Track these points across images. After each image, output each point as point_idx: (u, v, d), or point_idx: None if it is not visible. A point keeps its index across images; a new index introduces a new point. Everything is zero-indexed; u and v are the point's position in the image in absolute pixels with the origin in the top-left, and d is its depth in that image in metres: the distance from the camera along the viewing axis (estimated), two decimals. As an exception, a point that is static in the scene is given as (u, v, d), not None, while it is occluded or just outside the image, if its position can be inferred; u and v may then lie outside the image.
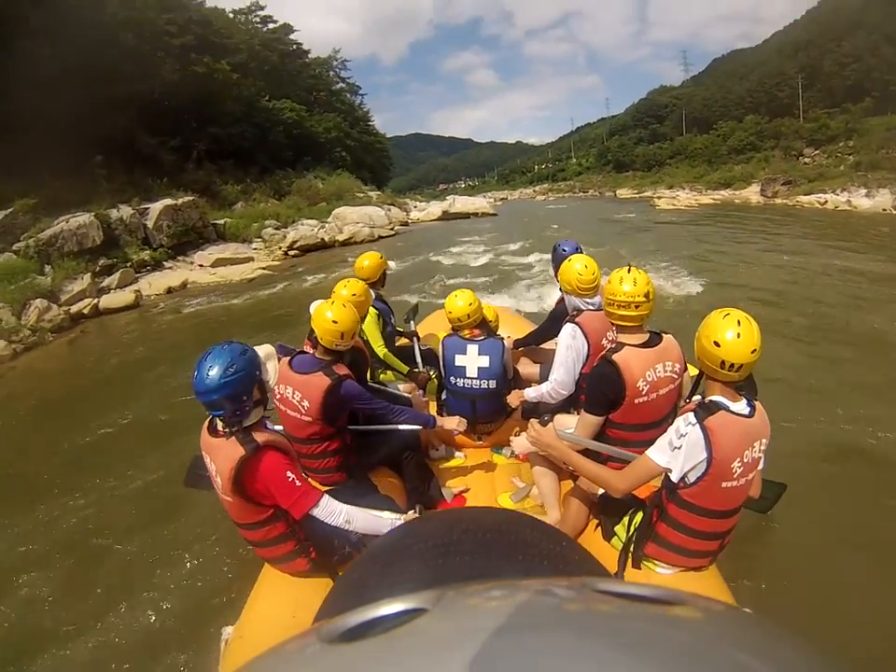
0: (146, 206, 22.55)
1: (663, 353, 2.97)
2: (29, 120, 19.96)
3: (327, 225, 28.50)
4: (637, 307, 2.89)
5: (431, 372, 4.80)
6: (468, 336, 4.09)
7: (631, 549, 2.71)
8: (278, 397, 3.31)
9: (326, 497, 2.61)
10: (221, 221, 25.95)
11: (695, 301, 11.03)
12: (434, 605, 0.38)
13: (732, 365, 2.26)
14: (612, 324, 3.07)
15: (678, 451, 2.34)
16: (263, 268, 21.49)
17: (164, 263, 21.39)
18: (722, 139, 72.76)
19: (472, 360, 4.03)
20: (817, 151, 53.79)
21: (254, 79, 43.03)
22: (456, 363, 4.07)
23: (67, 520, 5.03)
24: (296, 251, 25.23)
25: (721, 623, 0.38)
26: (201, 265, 21.90)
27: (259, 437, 2.49)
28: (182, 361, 9.34)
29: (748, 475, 2.39)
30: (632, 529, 2.75)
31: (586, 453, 2.91)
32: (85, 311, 15.56)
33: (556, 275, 4.07)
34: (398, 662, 0.32)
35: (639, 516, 2.75)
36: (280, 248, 25.01)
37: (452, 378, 4.13)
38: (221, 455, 2.49)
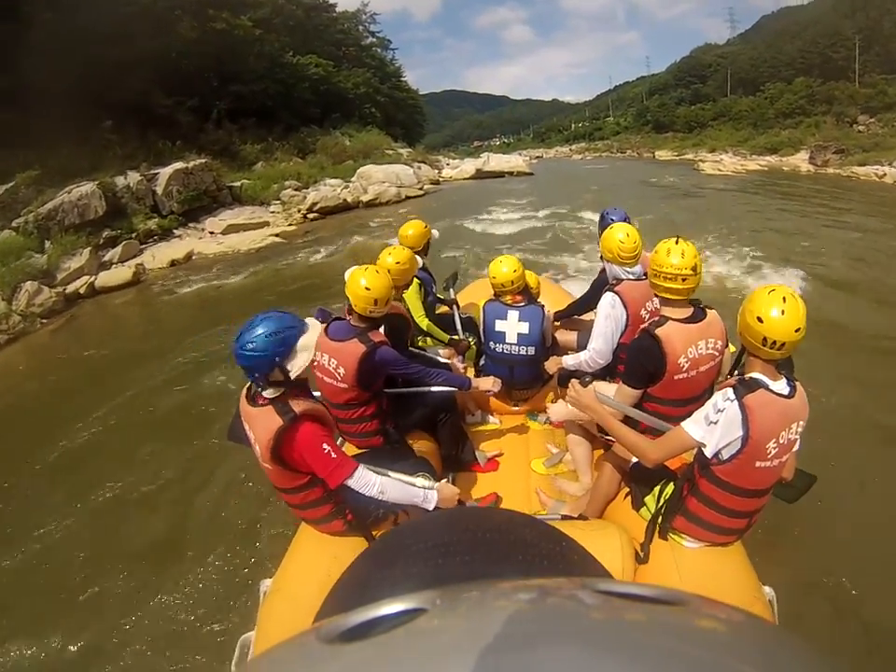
0: (155, 171, 20.98)
1: (706, 329, 2.88)
2: (33, 89, 18.65)
3: (351, 185, 26.26)
4: (683, 280, 2.79)
5: (471, 339, 4.75)
6: (509, 302, 4.07)
7: (659, 520, 2.67)
8: (315, 364, 3.19)
9: (360, 468, 2.62)
10: (238, 183, 24.44)
11: (748, 278, 10.50)
12: (434, 605, 0.38)
13: (774, 342, 2.18)
14: (657, 296, 2.97)
15: (714, 426, 2.29)
16: (277, 234, 19.68)
17: (174, 231, 19.97)
18: (770, 102, 68.42)
19: (512, 326, 4.02)
20: (872, 119, 50.08)
21: (278, 35, 40.85)
22: (496, 328, 4.06)
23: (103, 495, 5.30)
24: (315, 214, 23.14)
25: (722, 624, 0.39)
26: (212, 232, 20.32)
27: (297, 406, 2.49)
28: (172, 352, 8.92)
29: (782, 456, 2.34)
30: (662, 501, 2.72)
31: (624, 421, 2.84)
32: (81, 290, 14.43)
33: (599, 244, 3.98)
34: (397, 662, 0.32)
35: (670, 488, 2.72)
36: (299, 211, 23.02)
37: (491, 343, 4.13)
38: (259, 424, 2.51)
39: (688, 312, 2.88)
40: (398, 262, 4.09)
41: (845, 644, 3.25)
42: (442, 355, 4.62)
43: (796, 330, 2.15)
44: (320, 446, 2.51)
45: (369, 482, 2.61)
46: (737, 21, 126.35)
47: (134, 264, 16.36)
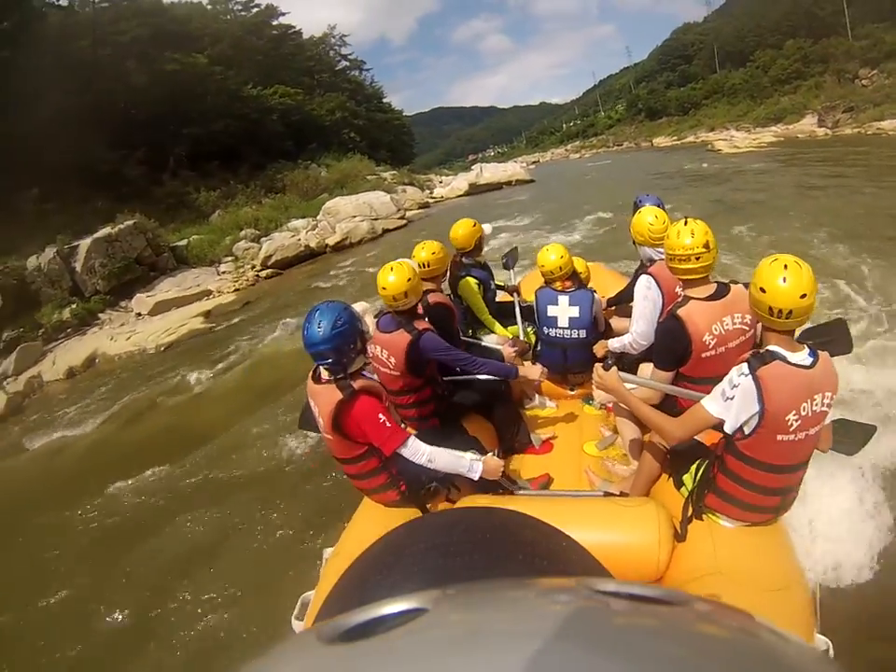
0: (76, 244, 16.36)
1: (731, 304, 2.74)
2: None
3: (319, 224, 20.67)
4: (697, 259, 2.70)
5: (531, 330, 4.58)
6: (559, 288, 3.99)
7: (692, 499, 2.57)
8: (371, 355, 3.25)
9: (412, 437, 2.70)
10: (184, 242, 19.00)
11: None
12: (434, 605, 0.37)
13: (780, 311, 2.07)
14: (679, 279, 2.88)
15: (730, 402, 2.18)
16: (208, 312, 14.21)
17: (100, 316, 15.27)
18: (763, 70, 63.91)
19: (563, 311, 3.97)
20: (874, 71, 47.03)
21: (239, 69, 36.03)
22: (549, 313, 4.01)
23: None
24: (270, 270, 17.60)
25: (723, 626, 0.38)
26: (139, 314, 15.03)
27: (356, 383, 2.62)
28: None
29: (808, 429, 2.18)
30: (698, 479, 2.59)
31: (660, 405, 2.85)
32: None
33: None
34: (397, 662, 0.32)
35: (705, 466, 2.58)
36: (253, 268, 17.70)
37: (545, 328, 4.08)
38: (322, 399, 2.65)
39: (710, 289, 2.78)
40: (433, 253, 3.92)
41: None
42: (494, 341, 4.47)
43: (802, 297, 2.02)
44: (376, 416, 2.61)
45: (419, 450, 2.68)
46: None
47: (28, 377, 11.73)
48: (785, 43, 62.50)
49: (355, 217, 20.63)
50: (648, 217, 3.54)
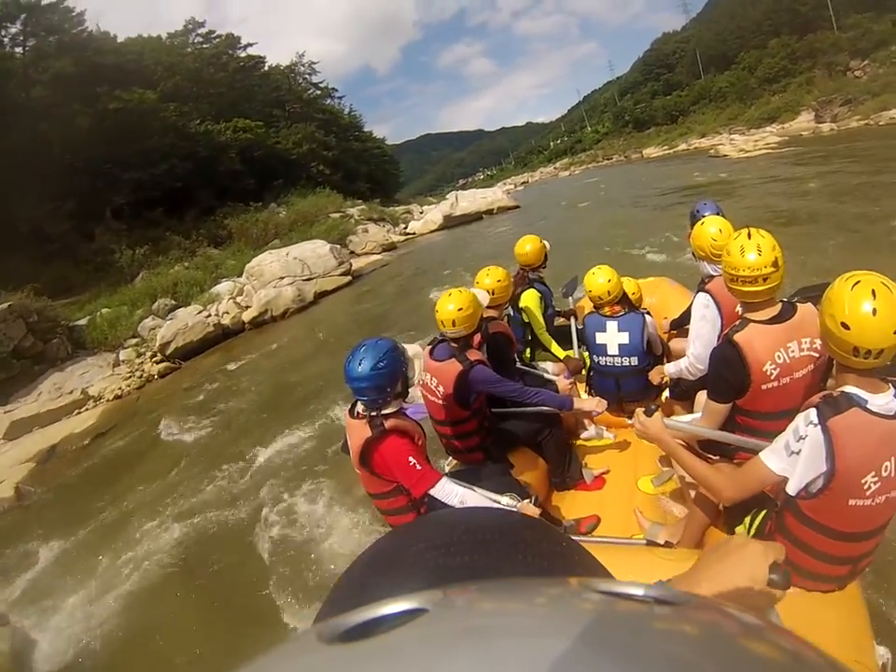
0: None
1: (797, 328, 2.26)
2: None
3: (245, 289, 15.66)
4: (765, 280, 2.20)
5: (586, 354, 4.14)
6: (608, 313, 3.71)
7: None
8: (421, 383, 3.20)
9: (444, 479, 2.58)
10: (83, 321, 14.60)
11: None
12: (434, 605, 0.35)
13: (868, 351, 1.63)
14: (741, 302, 2.41)
15: (795, 456, 1.79)
16: (63, 438, 9.43)
17: None
18: (749, 71, 61.92)
19: (612, 337, 3.69)
20: (865, 62, 45.00)
21: (197, 104, 31.78)
22: (597, 341, 3.74)
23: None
24: (167, 364, 12.53)
25: (723, 626, 0.36)
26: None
27: (388, 423, 2.52)
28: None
29: (890, 492, 1.74)
30: (752, 532, 2.17)
31: (711, 444, 2.51)
32: None
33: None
34: (398, 662, 0.31)
35: (761, 517, 2.16)
36: (151, 358, 12.80)
37: (595, 357, 3.81)
38: (354, 433, 2.59)
39: (774, 311, 2.31)
40: (498, 280, 3.78)
41: None
42: (551, 370, 4.23)
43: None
44: (406, 458, 2.51)
45: (451, 492, 2.56)
46: (689, 5, 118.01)
47: None
48: (769, 42, 60.32)
49: (282, 279, 15.55)
50: (711, 229, 3.13)
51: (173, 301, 15.36)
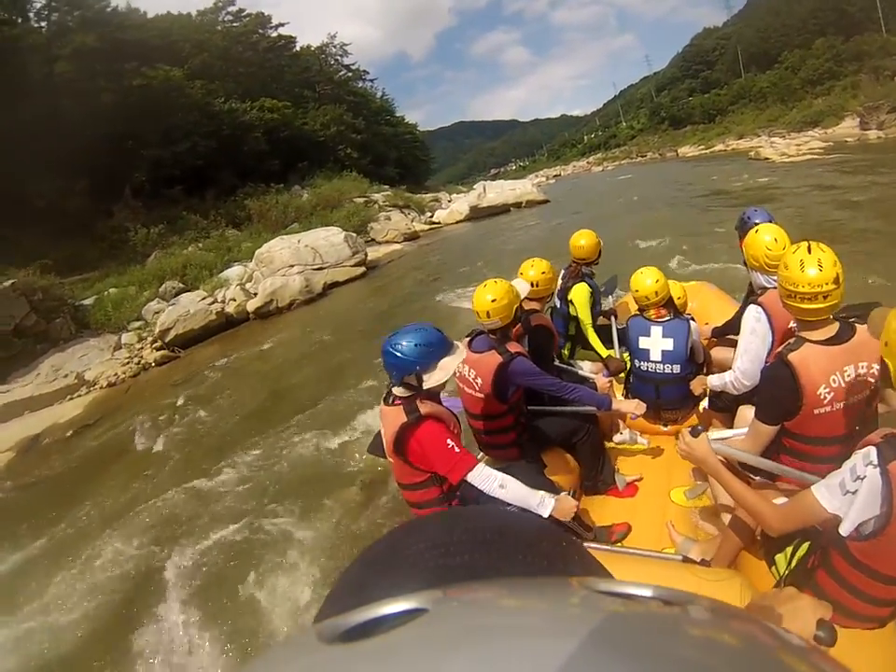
0: None
1: (856, 351, 2.14)
2: None
3: (255, 275, 14.76)
4: (825, 297, 2.10)
5: (626, 355, 4.12)
6: (653, 317, 3.61)
7: (783, 586, 1.98)
8: (458, 375, 3.17)
9: (482, 464, 2.51)
10: (89, 300, 14.01)
11: None
12: (434, 605, 0.36)
13: None
14: (796, 319, 2.32)
15: (851, 496, 1.66)
16: (43, 431, 8.84)
17: None
18: (792, 72, 59.58)
19: (656, 343, 3.59)
20: None
21: (223, 82, 31.06)
22: (640, 346, 3.63)
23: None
24: (165, 352, 11.71)
25: (724, 626, 0.36)
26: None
27: (423, 408, 2.49)
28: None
29: None
30: (794, 563, 2.06)
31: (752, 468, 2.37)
32: None
33: (741, 248, 3.39)
34: (398, 662, 0.31)
35: (804, 549, 2.04)
36: (152, 344, 12.06)
37: (636, 361, 3.72)
38: (389, 420, 2.54)
39: (831, 330, 2.21)
40: (543, 273, 3.74)
41: None
42: (589, 369, 4.22)
43: None
44: (444, 442, 2.46)
45: (490, 476, 2.48)
46: (732, 0, 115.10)
47: None
48: (814, 42, 58.09)
49: (292, 266, 14.46)
50: (765, 238, 3.02)
51: (181, 284, 14.67)
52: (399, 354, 2.41)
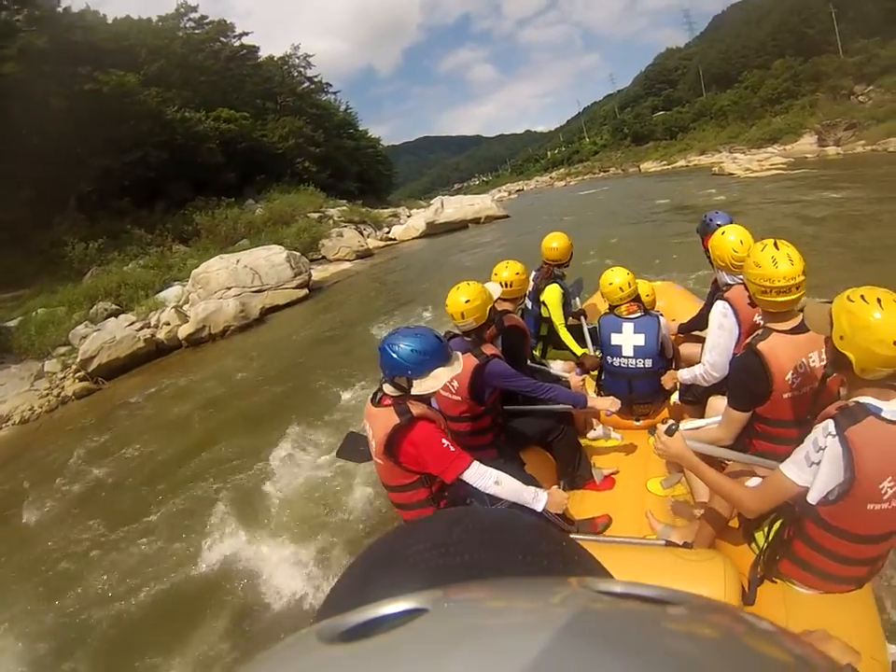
0: None
1: (818, 338, 2.18)
2: None
3: (191, 296, 13.77)
4: (797, 288, 2.26)
5: (598, 353, 4.16)
6: (624, 313, 3.68)
7: (764, 559, 2.18)
8: None
9: (476, 462, 2.50)
10: (13, 322, 13.15)
11: None
12: (434, 605, 0.36)
13: (888, 359, 1.67)
14: (763, 312, 2.47)
15: (816, 466, 1.83)
16: None
17: None
18: (752, 91, 61.19)
19: (628, 339, 3.66)
20: (870, 87, 44.25)
21: (181, 90, 30.07)
22: (613, 342, 3.70)
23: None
24: (86, 384, 10.61)
25: (723, 625, 0.36)
26: None
27: (414, 409, 2.46)
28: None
29: None
30: (771, 536, 2.18)
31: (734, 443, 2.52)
32: None
33: (705, 248, 3.60)
34: (397, 662, 0.31)
35: (780, 523, 2.19)
36: (74, 374, 10.88)
37: (608, 357, 3.78)
38: (378, 422, 2.51)
39: (796, 321, 2.36)
40: (517, 273, 3.81)
41: None
42: (561, 368, 4.26)
43: None
44: (439, 441, 2.45)
45: (485, 473, 2.48)
46: (694, 23, 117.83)
47: None
48: (773, 63, 59.67)
49: (229, 289, 13.46)
50: (731, 238, 3.11)
51: (114, 306, 13.72)
52: (393, 355, 2.38)
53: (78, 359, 10.86)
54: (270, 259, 14.52)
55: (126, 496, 5.80)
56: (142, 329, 11.97)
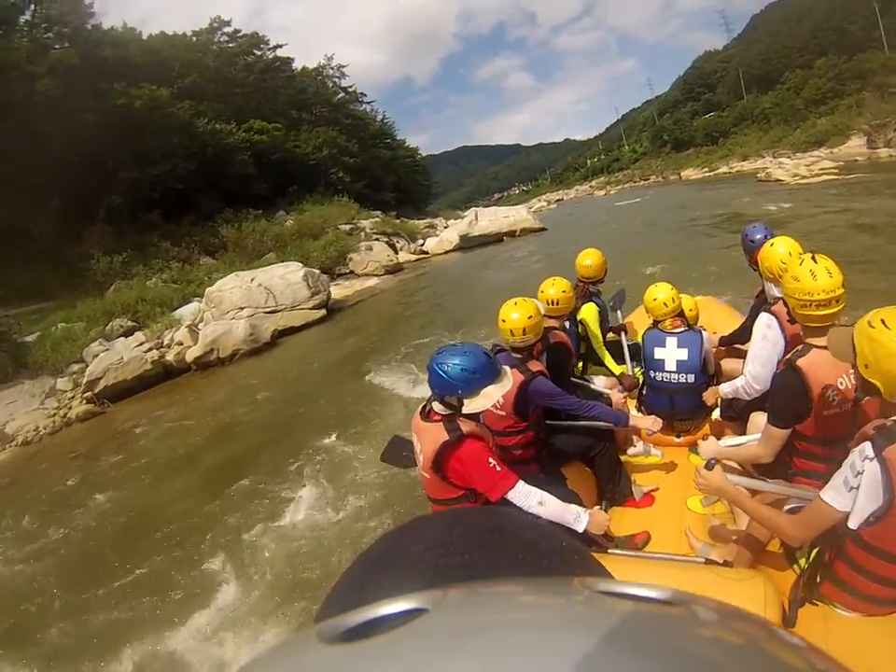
0: None
1: None
2: None
3: (205, 315, 13.00)
4: (838, 301, 2.23)
5: (637, 370, 4.24)
6: (668, 328, 3.67)
7: (804, 581, 2.09)
8: None
9: (521, 481, 2.47)
10: (32, 337, 12.83)
11: None
12: (434, 605, 0.36)
13: None
14: (802, 327, 2.44)
15: (855, 491, 1.74)
16: None
17: None
18: (794, 92, 57.89)
19: (671, 353, 3.67)
20: None
21: (211, 103, 30.09)
22: (656, 356, 3.69)
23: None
24: (90, 406, 10.18)
25: (724, 625, 0.35)
26: None
27: (464, 426, 2.46)
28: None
29: None
30: (812, 559, 2.10)
31: (767, 467, 2.55)
32: None
33: (749, 263, 3.67)
34: (397, 662, 0.31)
35: (820, 545, 2.10)
36: (82, 394, 10.52)
37: (651, 372, 3.76)
38: (427, 437, 2.49)
39: None
40: (563, 291, 3.78)
41: None
42: (602, 385, 4.20)
43: None
44: (486, 461, 2.43)
45: (530, 493, 2.46)
46: (732, 24, 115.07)
47: None
48: (815, 62, 57.01)
49: (242, 309, 12.59)
50: (780, 250, 3.08)
51: (130, 322, 13.32)
52: (442, 374, 2.35)
53: (85, 380, 10.40)
54: (286, 278, 13.76)
55: (105, 542, 5.28)
56: (150, 349, 11.47)
